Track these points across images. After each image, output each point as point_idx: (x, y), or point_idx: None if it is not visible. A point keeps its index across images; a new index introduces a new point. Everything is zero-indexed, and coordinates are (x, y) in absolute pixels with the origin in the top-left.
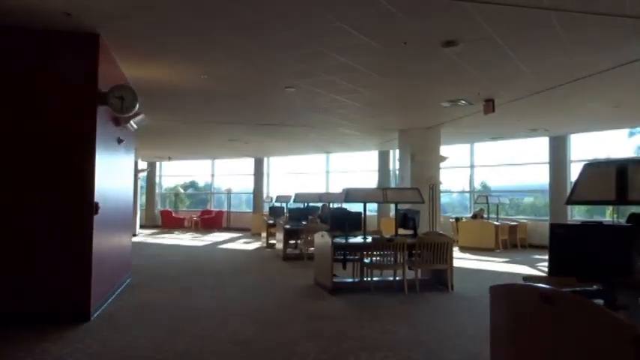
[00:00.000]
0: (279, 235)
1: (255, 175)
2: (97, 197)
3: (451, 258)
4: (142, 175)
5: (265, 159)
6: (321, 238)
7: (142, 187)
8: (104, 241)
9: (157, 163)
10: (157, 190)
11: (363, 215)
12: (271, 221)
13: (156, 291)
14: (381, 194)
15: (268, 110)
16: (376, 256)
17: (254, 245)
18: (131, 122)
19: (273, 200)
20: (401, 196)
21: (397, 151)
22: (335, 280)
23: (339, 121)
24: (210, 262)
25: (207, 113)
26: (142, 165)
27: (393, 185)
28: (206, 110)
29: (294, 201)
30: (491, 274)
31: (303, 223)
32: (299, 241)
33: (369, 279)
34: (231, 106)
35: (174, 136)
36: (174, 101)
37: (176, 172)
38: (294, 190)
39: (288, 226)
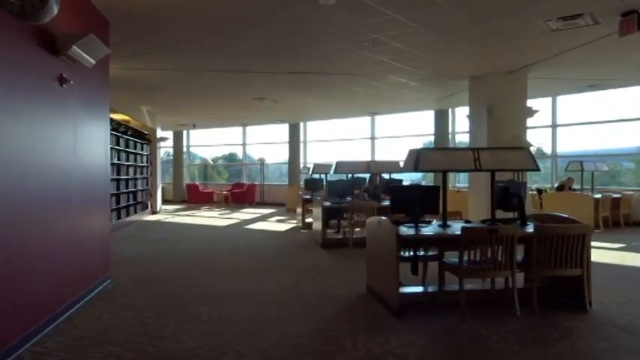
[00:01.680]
0: (317, 214)
1: (290, 142)
2: None
3: (588, 258)
4: (162, 144)
5: (301, 124)
6: (378, 226)
7: (167, 157)
8: (20, 238)
9: (184, 133)
10: (187, 162)
11: (442, 191)
12: (307, 196)
13: (130, 308)
14: (471, 157)
15: (299, 47)
16: (467, 254)
17: (288, 225)
18: (80, 51)
19: (310, 171)
20: (502, 160)
21: (455, 110)
22: (402, 290)
23: (391, 63)
24: (228, 251)
25: (218, 54)
26: (162, 134)
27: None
28: (215, 50)
29: (335, 171)
30: (631, 271)
31: (347, 199)
32: (342, 222)
33: (449, 287)
34: (249, 39)
35: (189, 95)
36: (172, 35)
37: (206, 142)
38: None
39: (327, 204)
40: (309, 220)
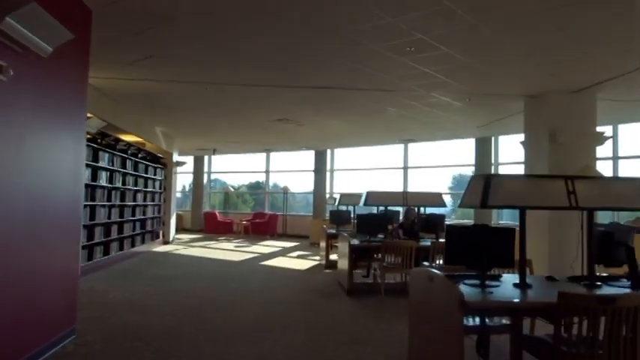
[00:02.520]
0: (344, 253)
1: (315, 170)
2: None
3: None
4: (180, 169)
5: (328, 152)
6: (429, 285)
7: (189, 185)
8: None
9: (205, 159)
10: (208, 189)
11: (521, 235)
12: (332, 231)
13: None
14: (563, 189)
15: (326, 51)
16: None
17: (309, 262)
18: (23, 30)
19: (336, 202)
20: (609, 194)
21: (498, 138)
22: None
23: (436, 75)
24: (236, 296)
25: (235, 62)
26: (181, 159)
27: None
28: (232, 55)
29: (366, 203)
30: None
31: (379, 236)
32: (373, 265)
33: None
34: (268, 40)
35: (205, 114)
36: (179, 35)
37: (228, 168)
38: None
39: (355, 242)
40: (333, 257)
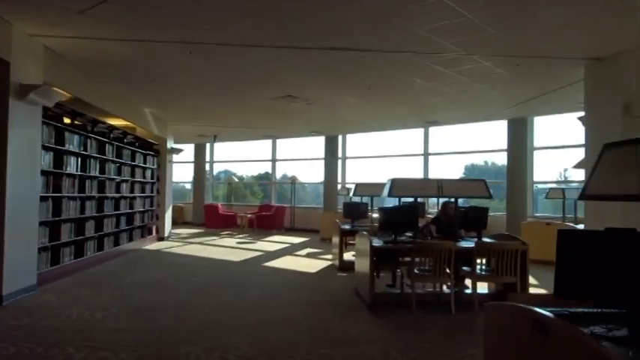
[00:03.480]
0: (363, 256)
1: (325, 158)
2: None
3: None
4: (176, 157)
5: (340, 138)
6: (540, 338)
7: (192, 178)
8: None
9: (207, 147)
10: (211, 180)
11: None
12: (347, 226)
13: None
14: None
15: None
16: None
17: (320, 262)
18: None
19: (351, 192)
20: None
21: (533, 120)
22: None
23: (475, 29)
24: (225, 310)
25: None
26: (178, 146)
27: (530, 170)
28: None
29: (390, 194)
30: None
31: (407, 235)
32: (399, 271)
33: None
34: None
35: (198, 90)
36: None
37: (232, 157)
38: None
39: (378, 243)
40: (347, 256)
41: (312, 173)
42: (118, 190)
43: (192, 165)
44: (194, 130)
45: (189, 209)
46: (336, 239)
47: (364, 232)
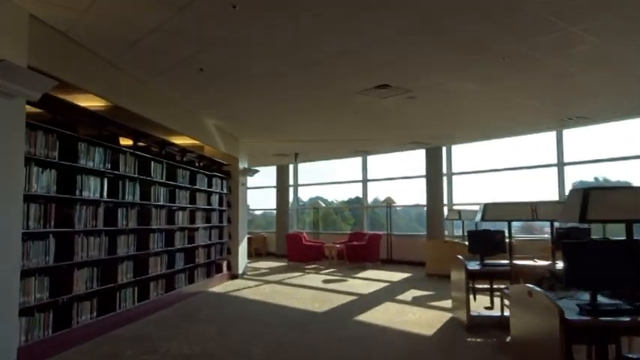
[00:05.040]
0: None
1: (427, 175)
2: None
3: None
4: (245, 179)
5: (444, 149)
6: None
7: (301, 204)
8: None
9: (290, 168)
10: (295, 205)
11: None
12: (475, 265)
13: None
14: None
15: None
16: None
17: (437, 314)
18: None
19: (479, 217)
20: None
21: None
22: None
23: None
24: None
25: None
26: (247, 166)
27: None
28: None
29: (585, 217)
30: None
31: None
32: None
33: None
34: None
35: (269, 92)
36: None
37: (318, 179)
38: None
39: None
40: (478, 309)
41: (410, 194)
42: (171, 221)
43: (274, 190)
44: (272, 148)
45: (273, 239)
46: (458, 281)
47: (535, 288)
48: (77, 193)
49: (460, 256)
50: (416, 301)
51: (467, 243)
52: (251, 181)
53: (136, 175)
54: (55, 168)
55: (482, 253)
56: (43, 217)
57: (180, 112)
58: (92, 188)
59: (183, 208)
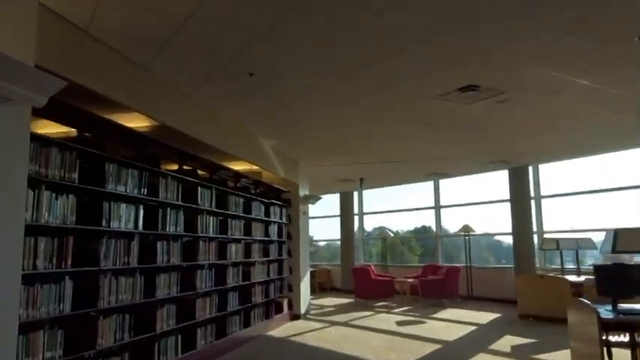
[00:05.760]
0: None
1: (512, 198)
2: None
3: None
4: (307, 208)
5: (530, 168)
6: None
7: (366, 234)
8: None
9: (355, 196)
10: (360, 234)
11: None
12: (608, 312)
13: None
14: None
15: None
16: None
17: None
18: None
19: (613, 247)
20: None
21: None
22: None
23: None
24: None
25: None
26: (308, 193)
27: None
28: None
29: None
30: None
31: None
32: None
33: None
34: None
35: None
36: None
37: (385, 206)
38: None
39: None
40: None
41: (487, 221)
42: (222, 255)
43: (338, 219)
44: (335, 173)
45: (337, 272)
46: (583, 332)
47: None
48: (104, 223)
49: (585, 301)
50: (518, 353)
51: (569, 278)
52: (313, 209)
53: (180, 203)
54: (75, 193)
55: (616, 296)
56: (57, 254)
57: (231, 127)
58: (124, 218)
59: (236, 240)
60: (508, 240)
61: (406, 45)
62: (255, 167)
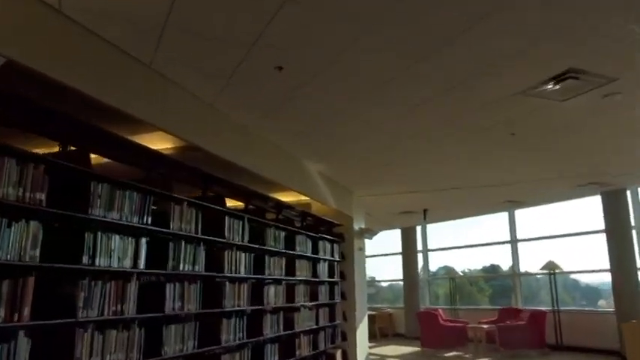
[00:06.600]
0: None
1: (608, 229)
2: None
3: None
4: (363, 243)
5: (628, 193)
6: None
7: (430, 275)
8: None
9: (418, 230)
10: (425, 275)
11: None
12: None
13: None
14: None
15: None
16: None
17: None
18: None
19: None
20: None
21: None
22: None
23: None
24: None
25: None
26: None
27: None
28: None
29: None
30: None
31: None
32: None
33: None
34: None
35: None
36: None
37: (450, 243)
38: None
39: None
40: None
41: (576, 257)
42: (258, 299)
43: (400, 257)
44: (394, 204)
45: (401, 316)
46: None
47: None
48: (85, 260)
49: None
50: None
51: None
52: (372, 247)
53: (199, 236)
54: (40, 219)
55: None
56: (7, 302)
57: (266, 146)
58: (117, 254)
59: (277, 281)
60: (588, 278)
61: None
62: (302, 198)
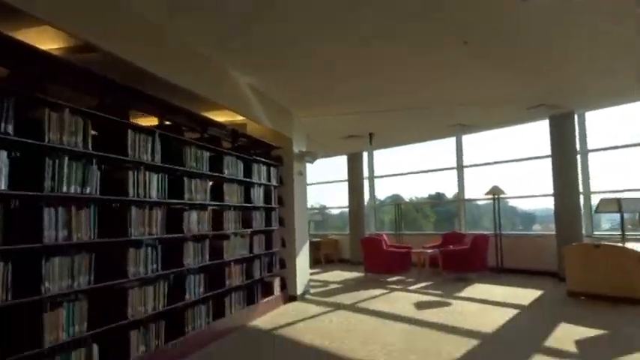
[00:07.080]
0: None
1: (554, 154)
2: None
3: None
4: (304, 167)
5: (576, 117)
6: None
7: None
8: None
9: (364, 157)
10: (372, 202)
11: None
12: None
13: None
14: None
15: None
16: None
17: None
18: None
19: None
20: None
21: None
22: None
23: None
24: None
25: None
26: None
27: None
28: None
29: None
30: None
31: None
32: None
33: None
34: None
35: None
36: None
37: (397, 169)
38: None
39: None
40: None
41: (523, 182)
42: (175, 227)
43: (346, 184)
44: (339, 127)
45: (346, 242)
46: None
47: None
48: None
49: None
50: (591, 355)
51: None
52: (320, 174)
53: (89, 151)
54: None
55: None
56: None
57: (181, 51)
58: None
59: (201, 207)
60: (525, 204)
61: None
62: (238, 118)
